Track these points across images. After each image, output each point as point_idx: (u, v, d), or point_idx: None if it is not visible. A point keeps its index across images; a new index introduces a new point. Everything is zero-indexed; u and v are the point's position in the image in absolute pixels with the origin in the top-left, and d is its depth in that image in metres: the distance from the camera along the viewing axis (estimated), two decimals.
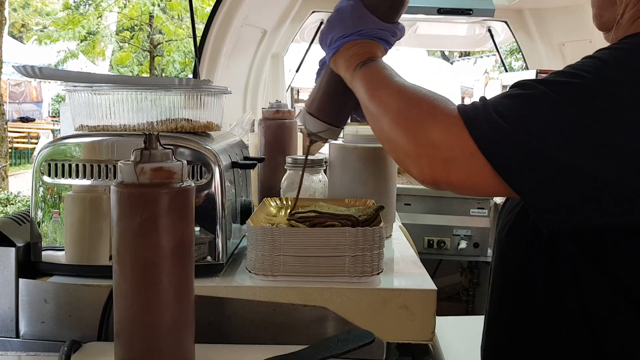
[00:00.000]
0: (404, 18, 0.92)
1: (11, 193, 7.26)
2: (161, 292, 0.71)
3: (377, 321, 0.92)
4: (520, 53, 3.35)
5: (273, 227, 0.98)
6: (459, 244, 2.38)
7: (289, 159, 1.27)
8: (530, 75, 2.70)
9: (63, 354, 0.80)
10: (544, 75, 2.59)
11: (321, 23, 3.30)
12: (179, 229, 0.71)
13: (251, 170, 1.19)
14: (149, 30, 12.88)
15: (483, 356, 0.96)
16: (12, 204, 6.63)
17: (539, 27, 3.09)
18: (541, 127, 0.68)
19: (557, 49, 3.10)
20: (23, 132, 11.89)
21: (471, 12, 2.80)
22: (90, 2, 13.08)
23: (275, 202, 1.18)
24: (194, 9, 2.70)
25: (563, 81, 0.70)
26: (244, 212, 1.11)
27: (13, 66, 1.00)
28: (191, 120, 1.02)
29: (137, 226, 0.69)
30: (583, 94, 0.69)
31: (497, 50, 3.63)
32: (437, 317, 0.94)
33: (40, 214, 0.97)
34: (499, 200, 2.33)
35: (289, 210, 1.12)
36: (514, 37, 3.23)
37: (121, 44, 14.12)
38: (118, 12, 13.04)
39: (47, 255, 0.97)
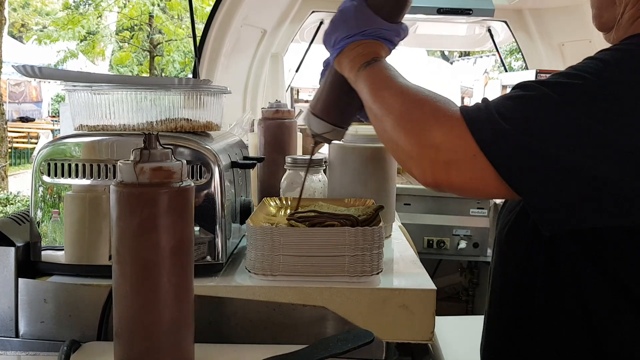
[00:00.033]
0: (404, 18, 0.92)
1: (11, 193, 7.26)
2: (161, 292, 0.71)
3: (377, 321, 0.92)
4: (520, 53, 3.35)
5: (273, 226, 0.98)
6: (458, 244, 2.38)
7: (288, 159, 1.28)
8: (530, 75, 2.70)
9: (62, 354, 0.80)
10: (544, 75, 2.60)
11: (321, 23, 3.30)
12: (179, 228, 0.71)
13: (251, 170, 1.19)
14: (149, 30, 12.88)
15: (483, 356, 0.96)
16: (12, 203, 6.63)
17: (538, 27, 3.09)
18: (542, 128, 0.68)
19: (557, 49, 3.11)
20: (23, 132, 11.89)
21: (471, 12, 2.80)
22: (90, 2, 13.08)
23: (275, 201, 1.18)
24: (193, 9, 2.70)
25: (565, 82, 0.70)
26: (244, 212, 1.11)
27: (13, 66, 1.00)
28: (191, 120, 1.02)
29: (136, 226, 0.69)
30: (584, 95, 0.69)
31: (497, 50, 3.64)
32: (436, 317, 0.94)
33: (39, 213, 0.97)
34: (498, 200, 2.33)
35: (289, 210, 1.12)
36: (514, 37, 3.23)
37: (121, 44, 14.12)
38: (118, 12, 13.04)
39: (46, 255, 0.97)
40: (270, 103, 1.46)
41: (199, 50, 2.68)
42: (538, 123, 0.68)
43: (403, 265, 1.09)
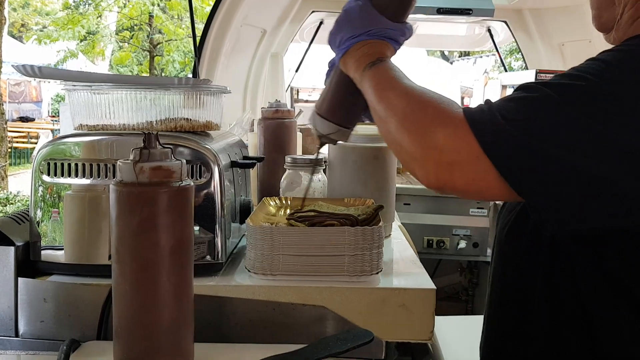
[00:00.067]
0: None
1: (10, 193, 7.26)
2: (160, 291, 0.71)
3: (376, 320, 0.92)
4: (520, 53, 3.35)
5: (272, 226, 0.98)
6: (458, 244, 2.38)
7: (288, 159, 1.28)
8: (530, 75, 2.70)
9: (62, 353, 0.80)
10: (544, 75, 2.60)
11: (321, 23, 3.30)
12: (178, 228, 0.71)
13: (250, 169, 1.19)
14: (149, 30, 12.87)
15: (482, 355, 0.96)
16: (12, 203, 6.64)
17: (538, 27, 3.09)
18: (544, 129, 0.68)
19: (557, 49, 3.11)
20: (23, 132, 11.89)
21: (471, 12, 2.80)
22: (90, 1, 13.08)
23: (275, 201, 1.18)
24: (193, 9, 2.70)
25: (567, 83, 0.70)
26: (244, 212, 1.11)
27: (13, 65, 1.00)
28: (190, 119, 1.02)
29: (136, 225, 0.69)
30: (585, 96, 0.69)
31: (497, 50, 3.63)
32: (436, 317, 0.94)
33: (39, 213, 0.97)
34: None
35: (289, 210, 1.12)
36: (514, 37, 3.23)
37: (121, 44, 14.11)
38: (118, 12, 13.04)
39: (46, 254, 0.97)
40: (270, 103, 1.46)
41: (198, 50, 2.68)
42: (539, 124, 0.68)
43: (403, 265, 1.09)
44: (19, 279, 0.94)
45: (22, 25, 17.00)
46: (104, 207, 0.95)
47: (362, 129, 1.23)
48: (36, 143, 10.63)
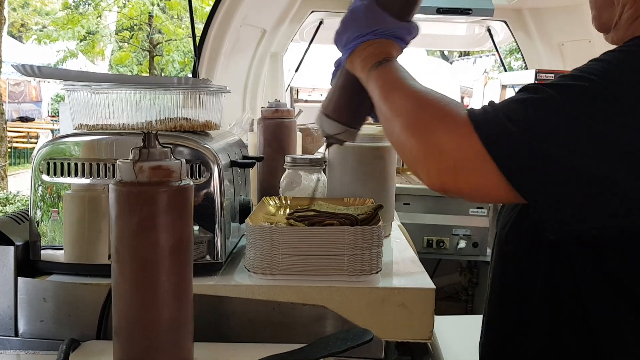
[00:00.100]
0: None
1: (10, 192, 7.26)
2: (160, 291, 0.71)
3: (376, 320, 0.92)
4: (520, 53, 3.35)
5: (272, 226, 0.98)
6: (458, 244, 2.38)
7: (287, 158, 1.28)
8: (530, 75, 2.70)
9: (62, 353, 0.80)
10: (543, 74, 2.60)
11: (321, 23, 3.30)
12: (178, 227, 0.71)
13: (250, 169, 1.19)
14: (149, 29, 12.86)
15: (482, 355, 0.96)
16: (12, 203, 6.63)
17: (538, 27, 3.09)
18: (548, 131, 0.68)
19: (557, 49, 3.11)
20: (22, 132, 11.88)
21: (470, 12, 2.80)
22: (89, 1, 13.07)
23: (274, 201, 1.18)
24: (193, 9, 2.70)
25: (570, 84, 0.70)
26: (243, 211, 1.11)
27: (12, 65, 1.00)
28: (190, 119, 1.02)
29: (135, 225, 0.69)
30: (589, 97, 0.68)
31: (497, 50, 3.64)
32: (436, 317, 0.94)
33: (39, 213, 0.97)
34: None
35: (293, 210, 1.12)
36: (513, 37, 3.23)
37: (120, 44, 14.11)
38: (117, 12, 13.03)
39: (46, 254, 0.97)
40: (270, 102, 1.46)
41: (198, 50, 2.68)
42: (543, 125, 0.68)
43: (402, 265, 1.09)
44: (19, 278, 0.94)
45: (22, 25, 17.00)
46: (103, 206, 0.95)
47: (362, 128, 1.23)
48: (36, 143, 10.63)
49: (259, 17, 2.93)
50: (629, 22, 0.81)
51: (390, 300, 0.93)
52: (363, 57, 0.88)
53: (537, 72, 2.65)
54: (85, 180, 0.96)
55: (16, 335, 0.95)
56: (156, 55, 13.13)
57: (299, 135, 1.60)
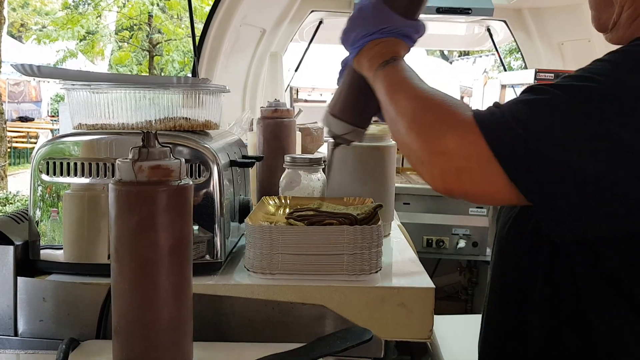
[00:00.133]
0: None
1: (10, 192, 7.26)
2: (159, 290, 0.71)
3: (375, 319, 0.92)
4: (519, 52, 3.35)
5: (271, 225, 0.98)
6: (457, 243, 2.38)
7: (287, 158, 1.28)
8: (529, 74, 2.70)
9: (61, 352, 0.80)
10: (543, 74, 2.60)
11: (320, 22, 3.30)
12: (177, 227, 0.71)
13: (250, 168, 1.19)
14: (148, 29, 12.86)
15: (481, 355, 0.96)
16: (11, 203, 6.64)
17: (538, 27, 3.09)
18: (555, 132, 0.67)
19: (556, 48, 3.11)
20: (22, 132, 11.88)
21: (470, 12, 2.80)
22: (89, 1, 13.08)
23: (274, 200, 1.18)
24: (193, 9, 2.70)
25: (577, 85, 0.69)
26: (243, 211, 1.11)
27: (12, 65, 1.00)
28: (189, 118, 1.02)
29: (135, 224, 0.69)
30: (597, 97, 0.68)
31: (496, 50, 3.64)
32: (435, 316, 0.94)
33: (38, 212, 0.97)
34: None
35: (292, 209, 1.12)
36: (513, 37, 3.23)
37: (120, 44, 14.11)
38: (117, 12, 13.03)
39: (45, 253, 0.97)
40: (269, 102, 1.46)
41: (198, 49, 2.68)
42: (549, 126, 0.67)
43: (402, 264, 1.09)
44: (18, 278, 0.94)
45: (22, 25, 17.00)
46: (103, 206, 0.95)
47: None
48: (35, 143, 10.63)
49: (259, 16, 2.93)
50: (628, 22, 0.81)
51: (390, 300, 0.93)
52: (370, 56, 0.87)
53: (537, 71, 2.64)
54: (85, 180, 0.96)
55: (16, 334, 0.95)
56: (156, 55, 13.13)
57: (298, 134, 1.60)
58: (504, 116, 0.70)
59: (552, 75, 2.61)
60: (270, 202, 1.17)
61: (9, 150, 8.86)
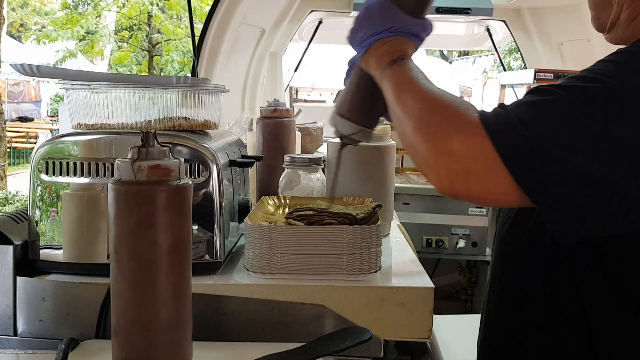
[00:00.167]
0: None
1: (10, 192, 7.26)
2: (159, 290, 0.71)
3: (375, 319, 0.92)
4: (519, 52, 3.35)
5: (271, 225, 0.98)
6: (457, 243, 2.38)
7: (286, 158, 1.28)
8: (529, 74, 2.70)
9: (61, 352, 0.80)
10: (542, 74, 2.60)
11: (320, 22, 3.30)
12: (177, 226, 0.71)
13: (249, 168, 1.19)
14: (148, 29, 12.86)
15: (481, 355, 0.96)
16: (11, 203, 6.64)
17: (537, 26, 3.09)
18: (560, 133, 0.66)
19: (556, 48, 3.11)
20: (22, 132, 11.88)
21: (470, 11, 2.80)
22: (88, 1, 13.07)
23: (273, 200, 1.18)
24: (192, 9, 2.70)
25: (582, 86, 0.69)
26: (242, 211, 1.11)
27: (11, 64, 1.00)
28: (189, 118, 1.02)
29: (134, 224, 0.69)
30: (602, 98, 0.67)
31: (496, 50, 3.64)
32: (435, 316, 0.94)
33: (38, 212, 0.97)
34: None
35: (292, 209, 1.12)
36: (513, 37, 3.23)
37: (120, 44, 14.11)
38: (117, 12, 13.02)
39: (44, 253, 0.97)
40: (269, 102, 1.46)
41: (197, 49, 2.68)
42: (555, 128, 0.67)
43: (401, 264, 1.09)
44: (18, 278, 0.94)
45: (21, 25, 16.99)
46: (102, 206, 0.95)
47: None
48: (35, 143, 10.63)
49: (258, 16, 2.93)
50: (627, 22, 0.81)
51: (389, 300, 0.93)
52: (378, 55, 0.87)
53: (536, 71, 2.64)
54: (84, 180, 0.96)
55: (15, 334, 0.95)
56: (155, 55, 13.12)
57: (298, 134, 1.60)
58: (509, 117, 0.69)
59: (552, 75, 2.60)
60: (270, 201, 1.17)
61: (8, 150, 8.85)
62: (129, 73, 13.15)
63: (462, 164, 0.70)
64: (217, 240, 0.98)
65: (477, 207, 2.38)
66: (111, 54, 14.29)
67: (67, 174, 0.96)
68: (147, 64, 13.23)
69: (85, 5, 13.22)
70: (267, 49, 3.08)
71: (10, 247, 0.94)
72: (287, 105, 1.48)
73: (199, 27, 3.21)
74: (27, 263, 0.97)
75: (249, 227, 0.95)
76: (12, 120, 12.26)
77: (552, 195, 0.68)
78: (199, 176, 0.96)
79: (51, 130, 11.18)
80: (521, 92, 3.65)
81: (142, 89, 0.97)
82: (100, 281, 0.93)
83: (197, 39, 2.68)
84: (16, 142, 11.43)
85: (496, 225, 0.95)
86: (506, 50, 11.36)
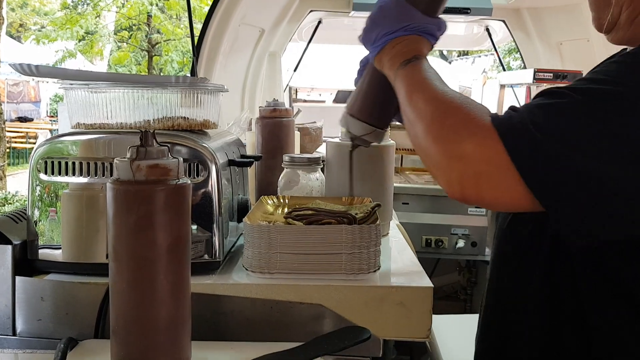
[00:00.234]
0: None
1: (9, 192, 7.25)
2: (157, 290, 0.71)
3: (374, 318, 0.92)
4: (518, 52, 3.35)
5: (270, 224, 0.98)
6: (456, 243, 2.38)
7: (286, 157, 1.28)
8: (529, 74, 2.70)
9: (59, 352, 0.80)
10: (542, 74, 2.60)
11: (319, 22, 3.30)
12: (175, 226, 0.71)
13: (248, 168, 1.19)
14: (147, 29, 12.85)
15: (480, 355, 0.96)
16: (10, 203, 6.64)
17: (536, 26, 3.09)
18: (573, 136, 0.66)
19: (555, 48, 3.11)
20: (21, 132, 11.88)
21: (469, 11, 2.80)
22: (88, 1, 13.07)
23: (272, 200, 1.18)
24: (191, 9, 2.71)
25: (594, 88, 0.69)
26: (241, 210, 1.11)
27: (10, 64, 1.00)
28: (188, 118, 1.02)
29: (133, 223, 0.69)
30: (613, 100, 0.67)
31: (495, 50, 3.64)
32: (434, 316, 0.94)
33: (37, 212, 0.97)
34: None
35: (291, 209, 1.12)
36: (512, 36, 3.23)
37: (119, 44, 14.10)
38: (116, 12, 13.02)
39: (43, 253, 0.97)
40: (268, 102, 1.46)
41: (197, 49, 2.68)
42: (567, 131, 0.66)
43: (401, 264, 1.09)
44: (17, 277, 0.94)
45: (21, 25, 16.98)
46: (101, 205, 0.95)
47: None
48: (34, 143, 10.63)
49: (258, 16, 2.94)
50: (628, 22, 0.81)
51: (389, 299, 0.93)
52: (392, 54, 0.86)
53: (536, 71, 2.64)
54: (83, 179, 0.96)
55: (14, 334, 0.95)
56: (155, 55, 13.12)
57: (297, 134, 1.60)
58: (522, 121, 0.68)
59: (551, 75, 2.61)
60: (269, 201, 1.17)
61: (8, 150, 8.85)
62: (128, 73, 13.14)
63: (473, 167, 0.69)
64: (216, 239, 0.98)
65: (476, 207, 2.38)
66: (110, 54, 14.29)
67: (66, 174, 0.96)
68: (147, 64, 13.22)
69: (85, 6, 13.22)
70: (267, 49, 3.08)
71: (9, 247, 0.94)
72: (287, 105, 1.48)
73: (198, 27, 3.21)
74: (26, 263, 0.97)
75: (248, 226, 0.95)
76: (12, 121, 12.26)
77: (564, 199, 0.67)
78: (197, 176, 0.96)
79: (51, 131, 11.18)
80: (521, 92, 3.65)
81: (141, 88, 0.97)
82: (99, 281, 0.93)
83: (196, 39, 2.68)
84: (16, 142, 11.43)
85: (496, 225, 0.95)
86: (506, 50, 11.36)
